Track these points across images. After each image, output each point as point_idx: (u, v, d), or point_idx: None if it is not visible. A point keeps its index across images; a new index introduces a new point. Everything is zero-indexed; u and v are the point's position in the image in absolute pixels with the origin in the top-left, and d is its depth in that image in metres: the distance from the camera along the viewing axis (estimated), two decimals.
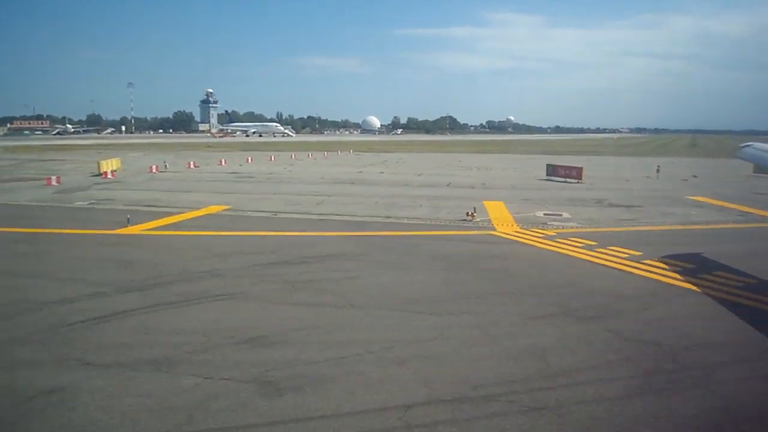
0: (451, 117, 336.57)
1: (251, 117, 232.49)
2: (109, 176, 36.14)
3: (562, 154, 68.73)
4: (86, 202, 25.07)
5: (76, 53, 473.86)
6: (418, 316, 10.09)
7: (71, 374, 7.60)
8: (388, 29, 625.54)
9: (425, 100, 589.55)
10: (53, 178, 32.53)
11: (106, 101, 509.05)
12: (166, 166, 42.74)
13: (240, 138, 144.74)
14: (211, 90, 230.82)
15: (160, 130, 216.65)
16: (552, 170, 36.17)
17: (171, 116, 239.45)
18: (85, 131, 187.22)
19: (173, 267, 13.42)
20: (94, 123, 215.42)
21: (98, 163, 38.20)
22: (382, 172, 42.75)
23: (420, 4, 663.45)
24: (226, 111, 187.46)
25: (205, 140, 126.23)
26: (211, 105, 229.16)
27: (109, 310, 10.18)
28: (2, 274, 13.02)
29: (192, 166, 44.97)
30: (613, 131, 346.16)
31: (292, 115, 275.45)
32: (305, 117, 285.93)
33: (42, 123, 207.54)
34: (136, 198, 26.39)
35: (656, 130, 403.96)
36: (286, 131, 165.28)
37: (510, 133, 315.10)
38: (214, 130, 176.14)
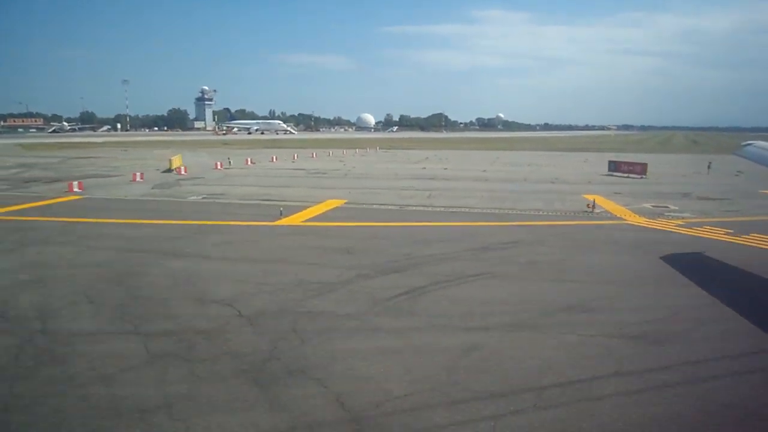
0: (443, 114, 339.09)
1: (243, 114, 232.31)
2: (183, 172, 36.89)
3: (573, 151, 70.68)
4: (200, 197, 26.04)
5: (60, 51, 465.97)
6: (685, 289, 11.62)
7: (471, 336, 8.93)
8: (375, 27, 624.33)
9: (414, 97, 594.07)
10: (137, 174, 33.35)
11: (97, 99, 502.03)
12: (230, 162, 43.58)
13: (243, 135, 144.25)
14: (206, 87, 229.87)
15: (155, 128, 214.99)
16: (615, 166, 37.75)
17: (165, 114, 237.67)
18: (80, 129, 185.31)
19: (395, 252, 14.59)
20: (87, 121, 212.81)
21: (170, 160, 38.90)
22: (446, 168, 43.94)
23: (407, 1, 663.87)
24: (227, 109, 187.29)
25: (210, 138, 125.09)
26: (206, 102, 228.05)
27: (401, 287, 11.38)
28: (244, 260, 14.07)
29: (249, 163, 45.83)
30: (602, 128, 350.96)
31: (285, 112, 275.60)
32: (296, 114, 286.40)
33: (35, 121, 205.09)
34: (243, 192, 27.42)
35: (643, 127, 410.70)
36: (289, 129, 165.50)
37: (500, 130, 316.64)
38: (217, 128, 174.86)
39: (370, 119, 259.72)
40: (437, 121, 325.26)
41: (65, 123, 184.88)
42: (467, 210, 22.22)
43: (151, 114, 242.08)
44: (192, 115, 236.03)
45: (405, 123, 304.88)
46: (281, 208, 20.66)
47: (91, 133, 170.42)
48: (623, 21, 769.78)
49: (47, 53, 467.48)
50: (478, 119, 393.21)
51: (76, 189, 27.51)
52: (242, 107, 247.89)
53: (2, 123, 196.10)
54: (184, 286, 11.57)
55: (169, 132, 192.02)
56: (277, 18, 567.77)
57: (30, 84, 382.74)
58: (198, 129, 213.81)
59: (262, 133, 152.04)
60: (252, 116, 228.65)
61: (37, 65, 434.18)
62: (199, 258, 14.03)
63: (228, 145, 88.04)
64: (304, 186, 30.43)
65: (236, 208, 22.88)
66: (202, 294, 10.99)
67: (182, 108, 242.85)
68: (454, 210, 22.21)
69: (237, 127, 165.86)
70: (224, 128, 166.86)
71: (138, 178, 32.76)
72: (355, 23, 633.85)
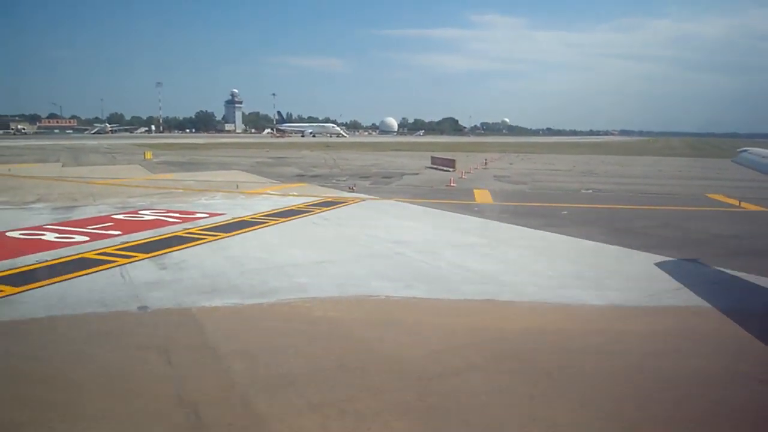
0: (452, 118, 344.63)
1: (257, 117, 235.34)
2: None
3: (618, 155, 74.37)
4: (590, 191, 28.82)
5: (80, 52, 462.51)
6: None
7: None
8: (374, 30, 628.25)
9: (417, 101, 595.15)
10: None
11: (118, 101, 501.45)
12: (486, 164, 46.50)
13: (297, 138, 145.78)
14: (236, 90, 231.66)
15: (187, 130, 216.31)
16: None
17: (193, 116, 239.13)
18: (118, 130, 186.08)
19: None
20: (115, 122, 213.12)
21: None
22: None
23: (404, 5, 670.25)
24: (279, 112, 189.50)
25: (265, 140, 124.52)
26: (236, 105, 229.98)
27: None
28: None
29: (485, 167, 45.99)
30: (606, 133, 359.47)
31: (301, 115, 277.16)
32: (305, 117, 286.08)
33: (70, 122, 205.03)
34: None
35: (641, 133, 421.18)
36: (341, 132, 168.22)
37: (505, 134, 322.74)
38: (274, 131, 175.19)
39: (393, 123, 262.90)
40: (448, 125, 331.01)
41: (107, 124, 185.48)
42: None
43: (177, 116, 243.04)
44: (219, 118, 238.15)
45: (419, 127, 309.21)
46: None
47: (128, 134, 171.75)
48: (619, 26, 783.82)
49: (70, 55, 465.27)
50: (483, 123, 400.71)
51: (453, 184, 30.10)
52: (254, 110, 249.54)
53: (38, 124, 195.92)
54: None
55: (213, 134, 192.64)
56: (271, 20, 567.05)
57: (55, 86, 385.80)
58: (228, 131, 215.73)
59: (314, 136, 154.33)
60: (267, 119, 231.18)
61: (60, 67, 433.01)
62: None
63: (330, 148, 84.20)
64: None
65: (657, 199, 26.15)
66: None
67: (209, 110, 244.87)
68: None
69: (295, 130, 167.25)
70: (280, 131, 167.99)
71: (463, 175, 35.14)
72: (354, 26, 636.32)
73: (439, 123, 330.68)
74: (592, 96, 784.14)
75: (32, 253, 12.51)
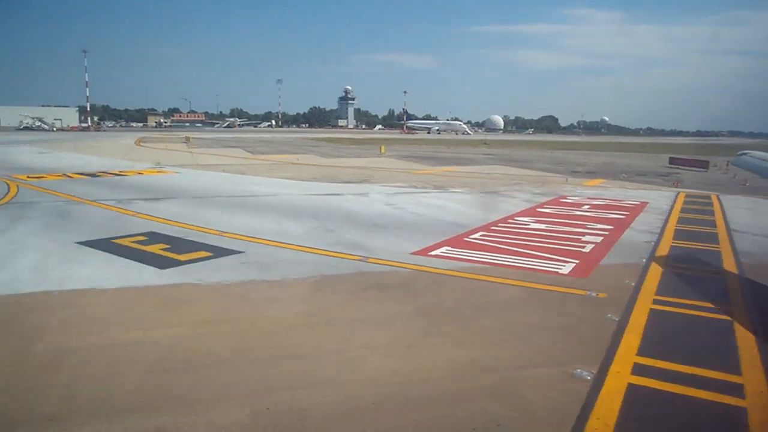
0: (552, 117, 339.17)
1: (357, 113, 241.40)
2: None
3: None
4: None
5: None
6: None
7: None
8: (461, 26, 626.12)
9: (508, 99, 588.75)
10: None
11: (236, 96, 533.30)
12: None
13: (422, 135, 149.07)
14: (349, 87, 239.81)
15: (303, 125, 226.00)
16: None
17: (307, 111, 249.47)
18: (245, 125, 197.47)
19: None
20: (235, 116, 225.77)
21: None
22: None
23: (492, 2, 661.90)
24: (405, 110, 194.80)
25: (397, 136, 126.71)
26: (348, 102, 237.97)
27: None
28: None
29: None
30: (715, 135, 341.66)
31: (393, 110, 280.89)
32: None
33: (198, 116, 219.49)
34: None
35: (751, 134, 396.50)
36: (467, 129, 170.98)
37: (604, 134, 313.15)
38: (405, 128, 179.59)
39: (500, 121, 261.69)
40: (548, 124, 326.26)
41: (237, 119, 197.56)
42: None
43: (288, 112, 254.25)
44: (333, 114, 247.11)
45: (519, 125, 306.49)
46: None
47: (253, 128, 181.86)
48: (725, 20, 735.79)
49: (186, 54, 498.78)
50: (580, 122, 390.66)
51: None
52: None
53: (172, 118, 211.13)
54: None
55: (329, 129, 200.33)
56: (359, 17, 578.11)
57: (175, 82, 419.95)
58: (341, 127, 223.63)
59: (439, 133, 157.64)
60: (367, 115, 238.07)
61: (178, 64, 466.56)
62: None
63: (489, 145, 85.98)
64: None
65: None
66: None
67: (321, 106, 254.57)
68: None
69: (421, 127, 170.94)
70: (410, 128, 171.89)
71: None
72: (441, 23, 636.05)
73: (538, 121, 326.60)
74: (695, 94, 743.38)
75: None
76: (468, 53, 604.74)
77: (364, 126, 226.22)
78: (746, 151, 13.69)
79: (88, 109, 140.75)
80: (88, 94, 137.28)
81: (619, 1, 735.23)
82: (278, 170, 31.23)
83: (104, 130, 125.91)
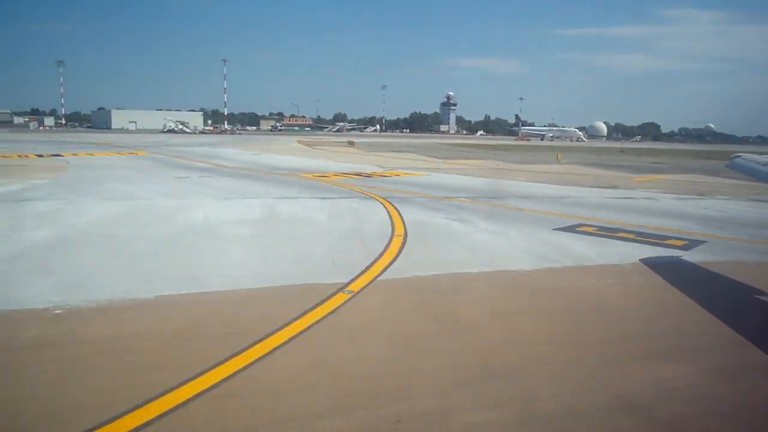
0: (654, 123, 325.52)
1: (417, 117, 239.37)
2: None
3: None
4: None
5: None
6: None
7: None
8: (548, 29, 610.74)
9: (602, 104, 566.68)
10: None
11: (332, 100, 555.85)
12: None
13: (536, 142, 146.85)
14: (451, 93, 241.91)
15: (405, 130, 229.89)
16: None
17: (407, 116, 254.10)
18: (353, 129, 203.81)
19: None
20: (341, 121, 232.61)
21: None
22: None
23: (583, 3, 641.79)
24: (517, 116, 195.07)
25: (513, 143, 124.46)
26: (450, 107, 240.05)
27: None
28: None
29: None
30: None
31: (489, 116, 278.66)
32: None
33: (306, 120, 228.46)
34: None
35: None
36: (582, 137, 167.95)
37: (709, 142, 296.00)
38: (520, 134, 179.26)
39: (603, 128, 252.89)
40: (650, 130, 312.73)
41: (345, 123, 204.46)
42: None
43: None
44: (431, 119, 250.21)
45: (620, 132, 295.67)
46: None
47: (359, 132, 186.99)
48: None
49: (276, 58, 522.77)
50: (681, 129, 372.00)
51: None
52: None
53: (283, 121, 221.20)
54: None
55: (432, 134, 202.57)
56: (443, 21, 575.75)
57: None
58: (443, 132, 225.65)
59: (552, 140, 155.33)
60: (461, 120, 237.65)
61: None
62: None
63: (625, 153, 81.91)
64: None
65: None
66: None
67: (422, 112, 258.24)
68: None
69: (535, 134, 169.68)
70: (524, 135, 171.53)
71: None
72: (529, 25, 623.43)
73: (639, 128, 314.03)
74: None
75: None
76: (563, 57, 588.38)
77: (465, 132, 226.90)
78: (739, 154, 13.57)
79: (225, 114, 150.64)
80: (225, 100, 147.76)
81: (723, 0, 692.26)
82: (545, 176, 30.89)
83: (239, 134, 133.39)
